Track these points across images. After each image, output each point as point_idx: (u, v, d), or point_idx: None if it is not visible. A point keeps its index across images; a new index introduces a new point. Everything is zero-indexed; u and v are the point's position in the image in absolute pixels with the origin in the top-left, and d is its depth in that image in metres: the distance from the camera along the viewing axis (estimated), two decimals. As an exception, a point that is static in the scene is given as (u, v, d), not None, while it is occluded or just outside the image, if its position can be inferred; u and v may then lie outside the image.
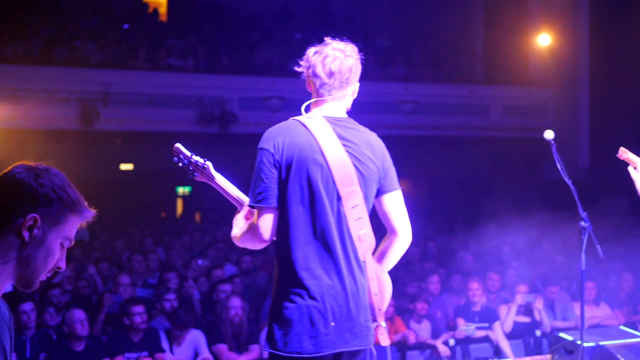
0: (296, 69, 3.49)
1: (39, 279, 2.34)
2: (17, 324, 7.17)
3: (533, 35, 18.38)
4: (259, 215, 3.30)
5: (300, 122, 3.37)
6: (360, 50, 3.50)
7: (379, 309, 3.44)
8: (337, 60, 3.39)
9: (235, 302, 7.58)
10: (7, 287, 7.38)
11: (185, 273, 9.55)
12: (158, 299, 8.30)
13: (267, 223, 3.29)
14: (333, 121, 3.39)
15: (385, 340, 3.46)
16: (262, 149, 3.31)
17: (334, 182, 3.28)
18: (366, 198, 3.35)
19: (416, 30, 20.22)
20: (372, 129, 3.52)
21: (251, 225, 3.36)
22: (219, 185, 3.67)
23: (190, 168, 3.69)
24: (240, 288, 8.73)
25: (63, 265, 2.38)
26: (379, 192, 3.44)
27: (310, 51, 3.45)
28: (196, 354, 7.39)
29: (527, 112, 17.80)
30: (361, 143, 3.39)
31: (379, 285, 3.44)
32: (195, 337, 7.41)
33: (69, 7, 17.16)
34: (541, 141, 4.68)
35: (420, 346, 8.06)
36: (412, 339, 7.94)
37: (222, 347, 7.44)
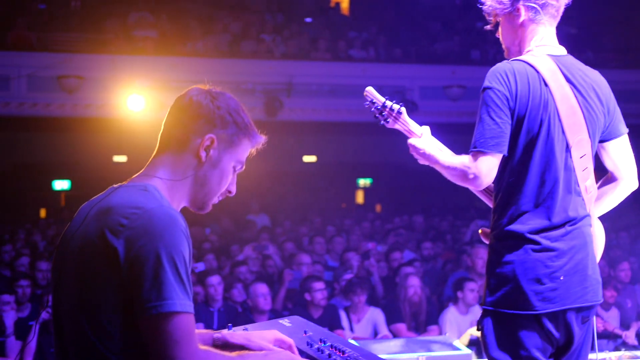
0: (495, 1, 3.20)
1: (212, 201, 2.42)
2: (205, 297, 7.51)
3: None
4: (485, 161, 2.99)
5: (527, 63, 3.07)
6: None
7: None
8: None
9: (415, 281, 7.57)
10: (199, 267, 7.65)
11: (365, 255, 9.63)
12: (337, 279, 8.42)
13: (491, 170, 3.00)
14: (558, 60, 3.11)
15: None
16: (491, 88, 3.02)
17: (563, 131, 3.03)
18: (593, 146, 3.12)
19: (605, 16, 19.33)
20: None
21: (466, 167, 3.03)
22: (414, 133, 3.36)
23: (384, 114, 3.39)
24: (420, 272, 8.70)
25: (233, 189, 2.45)
26: (605, 138, 3.21)
27: None
28: (375, 333, 7.42)
29: None
30: (588, 85, 3.13)
31: (597, 237, 3.24)
32: (375, 315, 7.44)
33: (256, 4, 17.76)
34: None
35: (608, 335, 7.69)
36: (599, 327, 7.59)
37: (401, 327, 7.44)
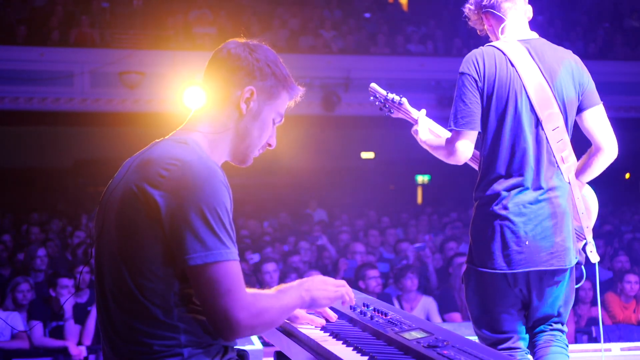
0: (469, 10, 3.62)
1: (253, 154, 2.43)
2: (260, 284, 7.56)
3: None
4: (459, 138, 3.37)
5: (496, 47, 3.40)
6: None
7: (587, 227, 3.52)
8: None
9: (470, 270, 7.48)
10: (255, 258, 7.75)
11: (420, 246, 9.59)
12: (392, 270, 8.40)
13: (467, 146, 3.37)
14: (526, 43, 3.43)
15: (594, 257, 3.54)
16: (463, 74, 3.37)
17: (531, 106, 3.33)
18: (566, 119, 3.39)
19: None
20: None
21: (448, 145, 3.41)
22: (415, 120, 3.72)
23: (387, 106, 3.81)
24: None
25: (274, 142, 2.46)
26: (580, 109, 3.46)
27: None
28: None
29: None
30: (557, 62, 3.41)
31: (585, 203, 3.52)
32: (427, 303, 7.39)
33: (314, 0, 17.83)
34: None
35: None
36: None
37: (456, 316, 7.37)
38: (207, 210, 2.09)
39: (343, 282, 2.54)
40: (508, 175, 3.34)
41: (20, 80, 14.32)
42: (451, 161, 3.45)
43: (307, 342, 2.50)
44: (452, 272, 7.97)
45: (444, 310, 7.41)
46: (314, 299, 2.39)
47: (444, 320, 7.32)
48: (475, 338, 5.16)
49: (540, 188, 3.32)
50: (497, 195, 3.33)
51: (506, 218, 3.30)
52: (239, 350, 2.38)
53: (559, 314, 3.46)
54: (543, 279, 3.36)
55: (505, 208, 3.31)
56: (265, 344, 5.58)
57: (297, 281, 2.46)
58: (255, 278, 7.83)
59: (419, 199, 20.30)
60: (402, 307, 7.37)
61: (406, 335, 2.38)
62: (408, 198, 20.00)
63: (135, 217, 2.16)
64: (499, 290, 3.37)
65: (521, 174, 3.32)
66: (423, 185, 20.49)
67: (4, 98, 14.48)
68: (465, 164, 3.59)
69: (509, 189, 3.32)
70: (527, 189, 3.32)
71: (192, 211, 2.09)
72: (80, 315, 7.13)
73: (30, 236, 11.06)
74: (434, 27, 16.81)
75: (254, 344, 5.16)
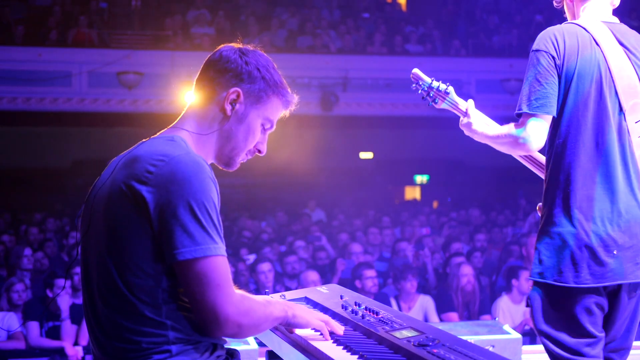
0: None
1: (239, 157, 2.42)
2: (257, 284, 7.55)
3: None
4: (532, 123, 2.91)
5: (580, 26, 3.03)
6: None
7: None
8: None
9: (467, 270, 7.47)
10: (252, 258, 7.70)
11: (419, 246, 9.57)
12: (390, 270, 8.38)
13: (540, 132, 2.92)
14: (611, 26, 3.05)
15: None
16: (539, 50, 2.96)
17: (616, 94, 2.93)
18: None
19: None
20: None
21: (514, 132, 2.97)
22: (462, 112, 3.30)
23: (431, 95, 3.35)
24: (474, 262, 8.59)
25: (263, 149, 2.45)
26: None
27: None
28: (426, 321, 7.35)
29: None
30: None
31: None
32: (425, 302, 7.37)
33: (312, 0, 17.83)
34: None
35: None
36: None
37: (453, 315, 7.35)
38: (195, 205, 2.10)
39: (327, 317, 2.54)
40: (589, 172, 2.90)
41: (18, 81, 14.32)
42: (519, 151, 3.02)
43: (298, 340, 2.48)
44: (449, 272, 7.95)
45: (441, 310, 7.39)
46: (295, 317, 2.41)
47: (441, 319, 7.30)
48: (469, 338, 5.16)
49: (623, 188, 2.90)
50: (576, 195, 2.89)
51: (591, 224, 2.87)
52: (228, 348, 2.37)
53: (627, 337, 3.05)
54: (624, 294, 2.95)
55: (588, 212, 2.88)
56: (260, 344, 5.56)
57: (284, 301, 2.52)
58: (251, 278, 7.82)
59: (418, 199, 20.26)
60: (399, 307, 7.35)
61: (397, 334, 2.37)
62: (406, 198, 19.99)
63: (123, 214, 2.15)
64: (581, 307, 2.92)
65: (605, 172, 2.90)
66: (422, 185, 20.45)
67: (2, 98, 14.49)
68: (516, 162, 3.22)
69: (591, 190, 2.89)
70: (616, 189, 2.89)
71: (180, 206, 2.09)
72: (77, 315, 7.11)
73: (29, 236, 11.04)
74: (432, 27, 16.81)
75: (249, 344, 5.14)
